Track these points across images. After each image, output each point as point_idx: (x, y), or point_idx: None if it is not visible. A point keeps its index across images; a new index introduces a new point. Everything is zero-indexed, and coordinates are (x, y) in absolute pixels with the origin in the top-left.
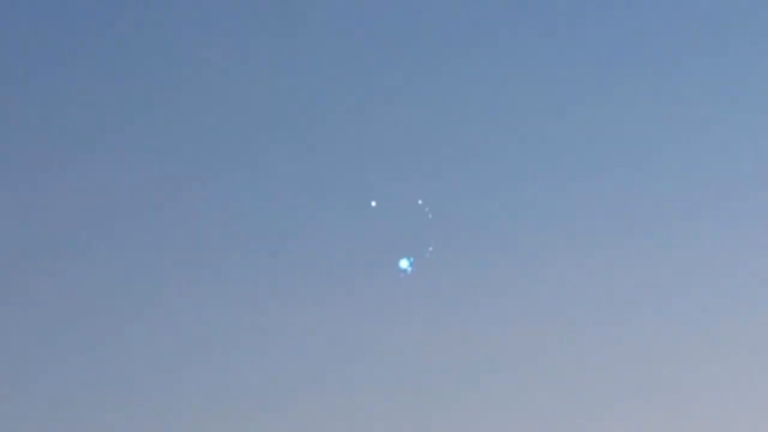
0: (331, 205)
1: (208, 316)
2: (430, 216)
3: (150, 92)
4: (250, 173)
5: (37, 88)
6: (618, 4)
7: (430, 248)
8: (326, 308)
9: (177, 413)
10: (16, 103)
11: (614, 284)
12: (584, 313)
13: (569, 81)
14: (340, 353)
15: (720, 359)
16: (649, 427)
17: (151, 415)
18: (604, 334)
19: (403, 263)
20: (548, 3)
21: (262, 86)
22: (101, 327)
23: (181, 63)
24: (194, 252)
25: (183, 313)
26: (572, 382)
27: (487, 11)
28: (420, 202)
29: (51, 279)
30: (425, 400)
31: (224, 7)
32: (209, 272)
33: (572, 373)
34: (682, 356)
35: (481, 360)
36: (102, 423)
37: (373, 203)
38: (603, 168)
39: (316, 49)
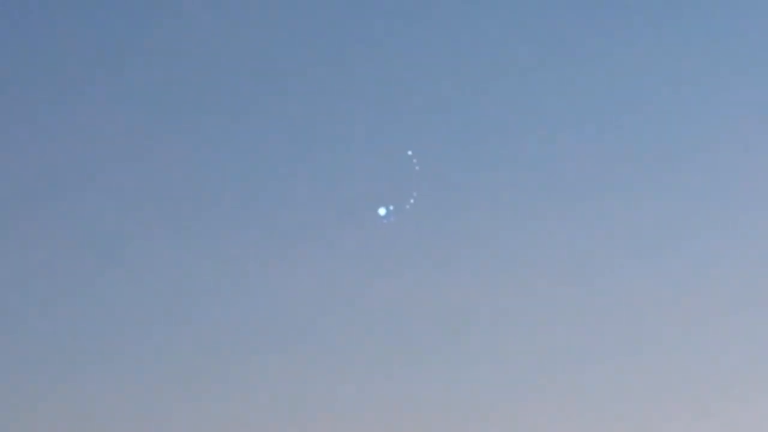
0: (319, 152)
1: (186, 267)
2: (417, 168)
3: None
4: (232, 123)
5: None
6: None
7: (412, 200)
8: (307, 255)
9: (158, 362)
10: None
11: (603, 236)
12: (571, 265)
13: (558, 33)
14: (321, 301)
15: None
16: (631, 387)
17: (130, 367)
18: (593, 287)
19: (381, 211)
20: None
21: (242, 36)
22: (83, 275)
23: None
24: (168, 202)
25: (166, 262)
26: (559, 335)
27: None
28: (410, 152)
29: (33, 226)
30: (403, 350)
31: None
32: (186, 223)
33: (560, 327)
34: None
35: (461, 310)
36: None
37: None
38: (596, 119)
39: None
